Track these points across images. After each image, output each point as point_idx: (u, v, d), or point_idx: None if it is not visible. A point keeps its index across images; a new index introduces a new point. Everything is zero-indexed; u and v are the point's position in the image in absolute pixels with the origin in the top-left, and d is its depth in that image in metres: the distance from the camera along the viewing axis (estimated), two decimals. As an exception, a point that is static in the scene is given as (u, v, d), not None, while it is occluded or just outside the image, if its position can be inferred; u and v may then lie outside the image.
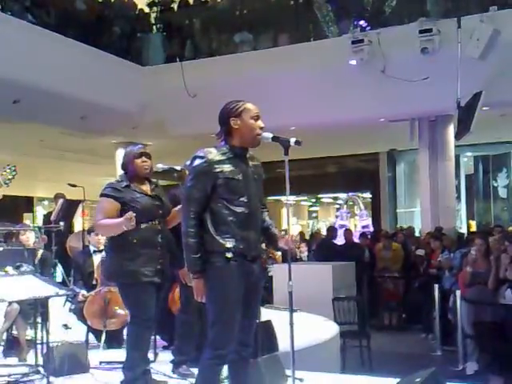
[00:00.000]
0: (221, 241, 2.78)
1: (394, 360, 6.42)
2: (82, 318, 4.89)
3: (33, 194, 17.39)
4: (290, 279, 2.94)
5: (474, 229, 12.87)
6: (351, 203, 15.02)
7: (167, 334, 4.72)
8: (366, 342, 6.01)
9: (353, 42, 8.64)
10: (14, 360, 4.50)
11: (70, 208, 8.21)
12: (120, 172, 3.79)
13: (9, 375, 3.96)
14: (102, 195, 3.57)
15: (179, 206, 3.70)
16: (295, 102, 9.07)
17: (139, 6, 11.10)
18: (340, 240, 10.68)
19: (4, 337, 4.72)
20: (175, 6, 11.26)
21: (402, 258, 9.18)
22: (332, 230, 10.97)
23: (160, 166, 4.40)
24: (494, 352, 5.65)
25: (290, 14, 10.47)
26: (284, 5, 10.57)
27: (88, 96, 8.91)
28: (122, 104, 9.63)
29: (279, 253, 9.19)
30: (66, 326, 5.37)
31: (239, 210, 2.82)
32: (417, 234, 10.99)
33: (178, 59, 10.23)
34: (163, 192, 3.81)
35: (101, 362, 4.32)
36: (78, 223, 9.80)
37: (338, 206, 16.79)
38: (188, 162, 4.27)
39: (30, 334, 4.65)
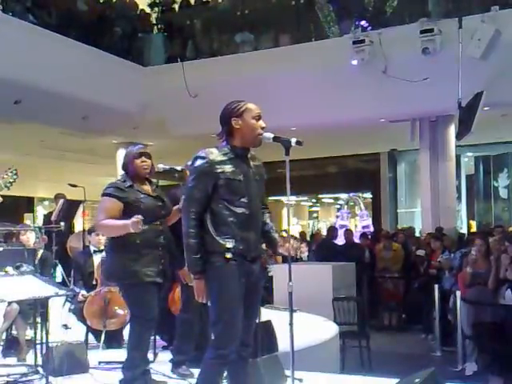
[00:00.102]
0: (221, 241, 2.79)
1: (394, 360, 6.42)
2: (81, 318, 4.89)
3: (33, 194, 17.39)
4: (290, 279, 2.94)
5: (474, 229, 12.85)
6: (352, 203, 15.02)
7: (167, 334, 4.72)
8: (366, 343, 6.01)
9: (354, 42, 8.63)
10: (13, 360, 4.50)
11: (70, 208, 8.21)
12: (121, 172, 3.80)
13: (8, 375, 3.96)
14: (104, 194, 3.55)
15: (177, 205, 3.72)
16: (296, 102, 9.07)
17: (140, 7, 11.11)
18: (340, 240, 10.67)
19: (3, 337, 4.73)
20: (176, 6, 11.27)
21: (402, 258, 9.18)
22: (332, 230, 10.97)
23: (161, 166, 4.41)
24: (494, 352, 5.64)
25: (291, 14, 10.47)
26: (285, 5, 10.56)
27: (89, 96, 8.91)
28: (123, 104, 9.64)
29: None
30: (65, 326, 5.36)
31: (240, 210, 2.82)
32: (417, 234, 10.98)
33: (179, 59, 10.23)
34: (163, 192, 3.82)
35: (100, 362, 4.32)
36: (79, 223, 9.80)
37: (338, 207, 16.81)
38: (189, 163, 4.29)
39: (29, 334, 4.65)
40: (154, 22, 11.17)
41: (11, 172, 4.23)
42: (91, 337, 4.93)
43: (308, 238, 12.11)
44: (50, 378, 3.74)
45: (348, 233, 10.26)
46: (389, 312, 8.99)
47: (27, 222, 14.59)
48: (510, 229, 10.31)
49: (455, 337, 6.46)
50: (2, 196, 4.27)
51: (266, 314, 4.73)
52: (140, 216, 3.32)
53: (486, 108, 8.12)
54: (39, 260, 5.29)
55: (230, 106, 2.91)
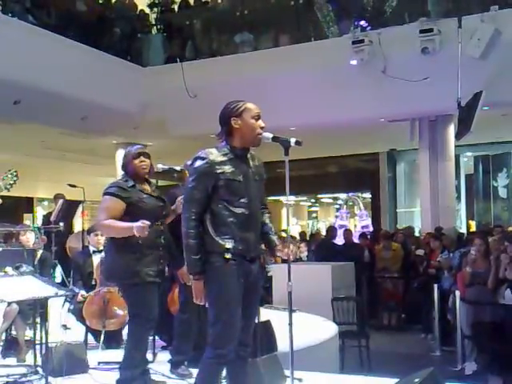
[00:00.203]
0: (220, 242, 2.79)
1: (393, 360, 6.42)
2: (80, 318, 4.89)
3: (33, 194, 17.38)
4: (289, 279, 2.94)
5: (473, 229, 12.85)
6: (351, 203, 15.02)
7: (166, 334, 4.72)
8: (365, 342, 6.01)
9: (353, 42, 8.64)
10: (12, 360, 4.50)
11: (69, 208, 8.21)
12: (120, 173, 3.80)
13: (7, 375, 3.96)
14: (106, 194, 3.54)
15: (174, 205, 3.72)
16: (295, 102, 9.07)
17: (140, 7, 11.11)
18: (340, 240, 10.68)
19: (3, 337, 4.72)
20: (176, 6, 11.27)
21: (401, 258, 9.18)
22: (331, 230, 10.97)
23: (160, 167, 4.41)
24: (493, 352, 5.65)
25: (290, 15, 10.47)
26: (284, 5, 10.56)
27: (88, 96, 8.92)
28: (123, 104, 9.64)
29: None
30: (64, 327, 5.34)
31: (239, 211, 2.82)
32: (416, 234, 10.98)
33: (178, 60, 10.22)
34: (162, 192, 3.83)
35: (99, 363, 4.32)
36: (78, 224, 9.80)
37: (337, 206, 16.81)
38: (189, 162, 4.28)
39: (28, 334, 4.65)
40: (154, 22, 11.18)
41: (11, 174, 4.23)
42: (90, 337, 4.93)
43: (307, 238, 12.10)
44: (50, 379, 3.74)
45: (347, 233, 10.26)
46: (388, 312, 9.00)
47: (27, 222, 14.61)
48: (510, 228, 10.32)
49: (455, 336, 6.46)
50: (2, 197, 4.26)
51: (265, 313, 4.73)
52: (148, 222, 3.33)
53: (485, 108, 8.12)
54: (39, 260, 5.29)
55: (229, 105, 2.92)
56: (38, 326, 4.26)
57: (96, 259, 5.11)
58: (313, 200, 19.56)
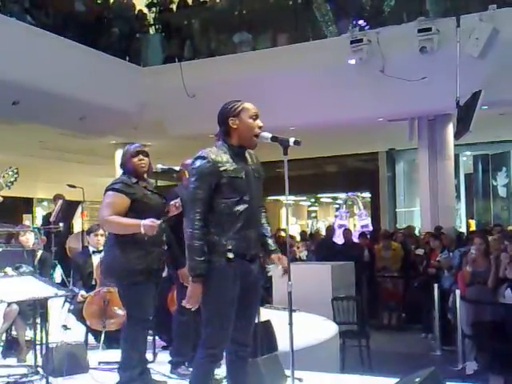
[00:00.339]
0: (223, 241, 2.78)
1: (394, 360, 6.42)
2: (81, 318, 4.88)
3: (32, 194, 17.37)
4: (289, 279, 2.94)
5: (473, 228, 12.86)
6: (350, 203, 15.01)
7: (166, 334, 4.72)
8: (366, 342, 6.01)
9: (352, 42, 8.63)
10: (13, 361, 4.50)
11: (69, 209, 8.21)
12: (119, 172, 3.80)
13: (8, 376, 3.96)
14: (111, 189, 3.54)
15: (174, 201, 3.71)
16: (294, 101, 9.07)
17: (138, 7, 11.11)
18: (339, 240, 10.68)
19: (3, 337, 4.72)
20: (174, 6, 11.26)
21: (401, 257, 9.18)
22: (330, 230, 10.98)
23: (159, 167, 4.41)
24: (494, 351, 5.64)
25: (288, 14, 10.48)
26: (283, 5, 10.58)
27: (87, 97, 8.91)
28: (121, 104, 9.64)
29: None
30: (65, 327, 5.35)
31: (241, 208, 2.81)
32: (416, 233, 10.98)
33: (176, 60, 10.23)
34: (162, 192, 3.84)
35: (100, 363, 4.32)
36: (78, 224, 9.80)
37: (337, 206, 16.80)
38: (187, 162, 4.28)
39: (29, 334, 4.65)
40: (152, 22, 11.17)
41: (12, 171, 4.22)
42: (91, 337, 4.93)
43: (305, 238, 12.11)
44: (50, 379, 3.74)
45: (347, 232, 10.26)
46: (388, 311, 9.00)
47: (26, 222, 14.58)
48: (509, 227, 10.33)
49: (455, 336, 6.46)
50: (2, 196, 4.26)
51: (265, 313, 4.73)
52: (158, 221, 3.35)
53: (484, 107, 8.12)
54: (38, 261, 5.28)
55: (227, 105, 2.91)
56: (39, 326, 4.26)
57: (96, 259, 5.10)
58: (312, 200, 19.56)
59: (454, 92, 8.10)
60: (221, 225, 2.79)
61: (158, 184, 4.58)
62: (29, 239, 5.36)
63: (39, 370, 4.02)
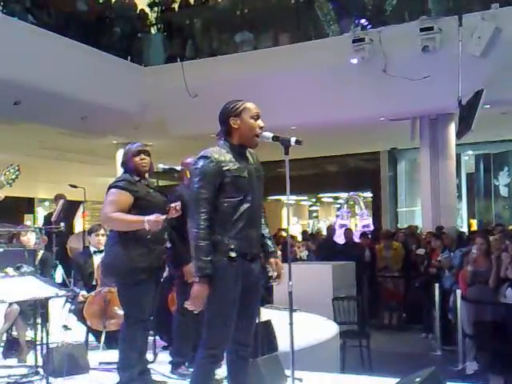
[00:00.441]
0: (225, 240, 2.77)
1: (394, 360, 6.42)
2: (81, 318, 4.88)
3: (33, 194, 17.40)
4: (290, 279, 2.94)
5: (474, 228, 12.84)
6: (352, 203, 15.00)
7: (166, 334, 4.71)
8: (366, 342, 6.00)
9: (354, 41, 8.63)
10: (13, 361, 4.50)
11: (70, 209, 8.21)
12: (120, 171, 3.80)
13: (8, 376, 3.97)
14: (114, 187, 3.55)
15: (175, 203, 3.71)
16: (296, 101, 9.07)
17: (140, 7, 11.11)
18: (340, 239, 10.67)
19: (4, 338, 4.72)
20: (176, 6, 11.26)
21: (402, 257, 9.17)
22: (330, 230, 10.98)
23: (161, 166, 4.41)
24: (494, 351, 5.64)
25: (290, 13, 10.47)
26: (285, 4, 10.58)
27: (89, 96, 8.91)
28: (123, 104, 9.64)
29: (279, 252, 9.17)
30: (65, 327, 5.34)
31: (244, 208, 2.81)
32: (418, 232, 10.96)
33: (178, 59, 10.23)
34: (163, 191, 3.85)
35: (100, 363, 4.31)
36: (79, 224, 9.81)
37: (338, 206, 16.79)
38: (187, 161, 4.28)
39: (29, 334, 4.65)
40: (154, 21, 11.17)
41: (13, 168, 4.21)
42: (91, 337, 4.93)
43: (307, 238, 12.10)
44: (51, 379, 3.74)
45: (348, 232, 10.25)
46: (389, 311, 8.99)
47: (27, 222, 14.60)
48: (511, 227, 10.31)
49: (456, 336, 6.45)
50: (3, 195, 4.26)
51: (266, 313, 4.73)
52: (162, 216, 3.37)
53: (486, 106, 8.11)
54: (39, 261, 5.28)
55: (228, 105, 2.91)
56: (39, 326, 4.26)
57: (97, 259, 5.10)
58: (313, 199, 19.56)
59: (456, 91, 8.09)
60: (223, 224, 2.78)
61: (159, 184, 4.58)
62: (30, 239, 5.37)
63: (39, 370, 4.03)
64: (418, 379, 3.06)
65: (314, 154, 13.00)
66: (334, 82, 8.94)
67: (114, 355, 4.32)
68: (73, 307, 5.08)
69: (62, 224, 7.24)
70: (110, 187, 3.57)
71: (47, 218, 8.28)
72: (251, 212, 2.83)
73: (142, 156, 3.68)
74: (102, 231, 5.22)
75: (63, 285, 5.96)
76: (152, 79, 9.90)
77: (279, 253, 10.01)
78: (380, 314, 8.93)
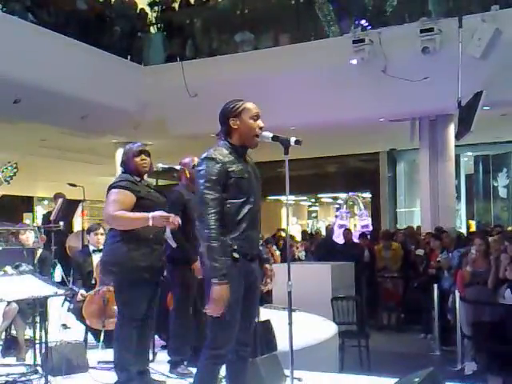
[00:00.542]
0: (228, 241, 2.77)
1: (393, 360, 6.42)
2: (80, 317, 4.88)
3: (33, 193, 17.39)
4: (289, 279, 2.94)
5: (473, 229, 12.85)
6: (351, 203, 15.01)
7: (166, 334, 4.72)
8: (365, 342, 6.01)
9: (354, 42, 8.63)
10: (12, 359, 4.50)
11: (69, 208, 8.21)
12: (120, 170, 3.80)
13: (7, 375, 3.96)
14: (117, 187, 3.54)
15: (172, 217, 3.70)
16: (296, 101, 9.07)
17: (140, 6, 11.10)
18: (340, 240, 10.68)
19: (3, 336, 4.73)
20: (176, 5, 11.26)
21: (401, 257, 9.17)
22: (329, 230, 10.99)
23: (160, 166, 4.41)
24: (493, 352, 5.64)
25: (290, 14, 10.47)
26: (285, 4, 10.57)
27: (88, 95, 8.91)
28: (123, 103, 9.63)
29: (278, 252, 9.20)
30: (64, 326, 5.36)
31: (246, 209, 2.81)
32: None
33: (178, 59, 10.22)
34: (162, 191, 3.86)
35: (99, 362, 4.31)
36: (78, 223, 9.81)
37: (337, 206, 16.79)
38: (186, 160, 4.27)
39: (28, 333, 4.65)
40: (154, 21, 11.17)
41: (11, 166, 4.21)
42: (90, 336, 4.93)
43: (307, 238, 12.12)
44: (49, 378, 3.73)
45: (347, 232, 10.26)
46: (388, 312, 9.00)
47: (26, 221, 14.60)
48: (510, 228, 10.31)
49: (454, 336, 6.46)
50: (1, 193, 4.26)
51: (265, 313, 4.73)
52: (166, 213, 3.40)
53: (485, 107, 8.11)
54: (38, 259, 5.29)
55: (228, 105, 2.90)
56: (38, 325, 4.26)
57: (96, 258, 5.10)
58: (313, 200, 19.57)
59: (455, 92, 8.09)
60: (226, 225, 2.77)
61: (159, 183, 4.58)
62: (29, 238, 5.37)
63: (38, 369, 4.02)
64: (416, 379, 3.06)
65: (313, 155, 13.00)
66: (334, 83, 8.94)
67: (112, 354, 4.34)
68: (72, 306, 5.09)
69: (61, 223, 7.25)
70: (112, 187, 3.57)
71: (46, 217, 8.28)
72: (253, 213, 2.84)
73: (143, 156, 3.68)
74: (101, 230, 5.23)
75: (62, 283, 5.95)
76: (152, 79, 9.90)
77: (278, 252, 10.08)
78: (379, 314, 8.94)
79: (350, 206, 15.02)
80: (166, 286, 4.22)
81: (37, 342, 4.21)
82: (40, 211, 16.93)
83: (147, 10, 11.15)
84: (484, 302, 6.18)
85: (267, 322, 4.47)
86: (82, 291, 4.93)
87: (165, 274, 3.89)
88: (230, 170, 2.78)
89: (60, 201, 7.88)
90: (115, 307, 4.67)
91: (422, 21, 8.40)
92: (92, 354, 4.38)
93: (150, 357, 4.24)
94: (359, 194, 15.28)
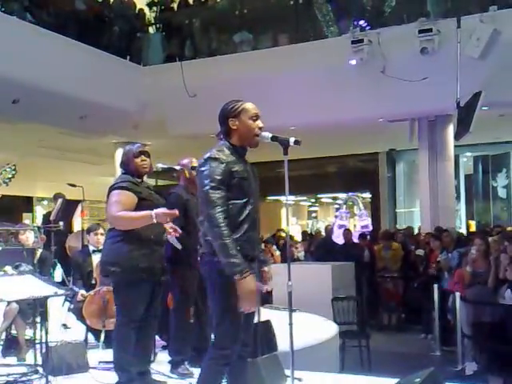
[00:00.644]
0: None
1: (393, 360, 6.42)
2: (80, 317, 4.88)
3: (32, 193, 17.38)
4: (289, 279, 2.94)
5: (473, 229, 12.85)
6: (351, 203, 15.01)
7: (166, 334, 4.72)
8: (365, 342, 6.01)
9: (353, 42, 8.64)
10: (12, 359, 4.50)
11: (69, 208, 8.21)
12: (119, 171, 3.80)
13: (8, 375, 3.96)
14: (119, 188, 3.55)
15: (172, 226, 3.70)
16: (295, 101, 9.07)
17: (139, 6, 11.10)
18: (339, 240, 10.68)
19: (3, 336, 4.72)
20: (175, 5, 11.26)
21: (401, 257, 9.17)
22: (328, 230, 10.99)
23: (160, 166, 4.41)
24: (493, 352, 5.64)
25: (289, 14, 10.47)
26: (284, 4, 10.57)
27: (87, 96, 8.90)
28: (122, 104, 9.63)
29: (278, 252, 9.21)
30: (65, 326, 5.36)
31: (248, 210, 2.81)
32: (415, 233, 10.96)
33: (177, 59, 10.22)
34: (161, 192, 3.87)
35: (100, 362, 4.31)
36: (78, 223, 9.80)
37: (337, 206, 16.80)
38: (184, 161, 4.27)
39: (29, 333, 4.65)
40: (153, 21, 11.17)
41: (10, 168, 4.21)
42: (91, 336, 4.93)
43: (307, 238, 12.12)
44: (50, 378, 3.73)
45: (347, 232, 10.26)
46: (388, 312, 9.00)
47: (26, 221, 14.58)
48: (509, 228, 10.32)
49: (455, 336, 6.46)
50: (1, 195, 4.26)
51: (265, 313, 4.72)
52: (168, 210, 3.41)
53: (484, 108, 8.12)
54: (38, 259, 5.29)
55: (227, 106, 2.90)
56: (38, 325, 4.26)
57: (96, 258, 5.10)
58: (312, 200, 19.57)
59: (454, 93, 8.10)
60: (229, 226, 2.75)
61: (158, 183, 4.58)
62: (28, 238, 5.38)
63: (39, 369, 4.03)
64: (417, 380, 3.07)
65: (313, 155, 13.00)
66: (333, 83, 8.94)
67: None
68: (72, 306, 5.09)
69: (61, 223, 7.25)
70: (114, 188, 3.56)
71: (46, 217, 8.28)
72: (254, 214, 2.84)
73: (143, 157, 3.68)
74: (100, 230, 5.23)
75: (62, 284, 5.95)
76: (151, 79, 9.89)
77: (278, 252, 10.07)
78: (379, 314, 8.94)
79: (350, 206, 15.02)
80: (166, 286, 4.22)
81: (37, 342, 4.21)
82: (40, 211, 16.92)
83: (146, 10, 11.15)
84: (484, 302, 6.18)
85: (268, 323, 4.47)
86: (82, 291, 4.93)
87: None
88: (233, 170, 2.78)
89: (60, 201, 7.88)
90: (115, 307, 4.70)
91: (420, 21, 8.41)
92: (92, 354, 4.38)
93: (151, 357, 4.25)
94: (359, 195, 15.28)
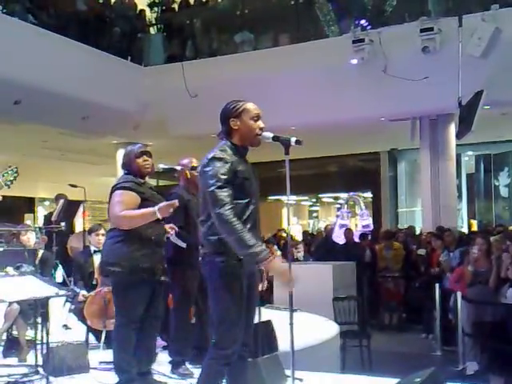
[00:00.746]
0: None
1: (394, 360, 6.41)
2: (81, 318, 4.89)
3: (34, 194, 17.40)
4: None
5: (475, 228, 12.82)
6: (352, 203, 15.00)
7: (166, 334, 4.71)
8: (366, 342, 6.00)
9: (354, 42, 8.63)
10: (13, 360, 4.50)
11: (70, 208, 8.22)
12: (121, 172, 3.80)
13: (8, 375, 3.97)
14: (122, 188, 3.55)
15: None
16: (296, 101, 9.07)
17: (140, 7, 11.11)
18: (341, 240, 10.67)
19: (4, 337, 4.72)
20: (176, 6, 11.27)
21: (402, 257, 9.16)
22: (328, 230, 10.99)
23: (161, 166, 4.41)
24: (495, 352, 5.63)
25: (290, 14, 10.48)
26: (285, 4, 10.57)
27: (89, 96, 8.92)
28: (123, 104, 9.64)
29: (279, 252, 9.19)
30: (66, 327, 5.37)
31: (250, 210, 2.82)
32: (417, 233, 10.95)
33: (178, 59, 10.22)
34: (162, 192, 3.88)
35: (100, 362, 4.31)
36: (79, 224, 9.81)
37: (338, 206, 16.79)
38: (184, 161, 4.27)
39: (30, 334, 4.65)
40: (154, 21, 11.18)
41: (11, 170, 4.22)
42: (92, 337, 4.93)
43: (308, 238, 12.11)
44: (51, 378, 3.74)
45: (348, 232, 10.25)
46: (389, 311, 8.98)
47: (28, 222, 14.61)
48: (511, 228, 10.30)
49: (456, 336, 6.45)
50: (3, 196, 4.26)
51: (266, 313, 4.72)
52: (174, 201, 3.47)
53: (486, 107, 8.11)
54: (39, 260, 5.29)
55: (228, 106, 2.91)
56: (39, 325, 4.26)
57: (97, 259, 5.09)
58: (314, 199, 19.56)
59: (456, 92, 8.09)
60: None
61: (159, 184, 4.58)
62: (30, 239, 5.38)
63: (40, 369, 4.03)
64: (418, 379, 3.06)
65: (314, 154, 12.99)
66: (334, 83, 8.94)
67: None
68: (73, 307, 5.09)
69: (63, 223, 7.25)
70: (117, 188, 3.56)
71: (47, 218, 8.28)
72: (255, 214, 2.85)
73: (145, 157, 3.68)
74: (102, 231, 5.23)
75: (63, 284, 5.95)
76: (152, 79, 9.90)
77: (279, 252, 10.07)
78: (380, 314, 8.93)
79: (351, 205, 15.02)
80: (166, 286, 4.22)
81: (38, 342, 4.21)
82: (41, 212, 16.95)
83: (147, 10, 11.16)
84: (486, 301, 6.17)
85: (268, 323, 4.47)
86: (83, 292, 4.93)
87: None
88: (237, 169, 2.79)
89: (61, 201, 7.89)
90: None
91: (421, 20, 8.40)
92: (93, 355, 4.38)
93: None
94: (360, 194, 15.27)
